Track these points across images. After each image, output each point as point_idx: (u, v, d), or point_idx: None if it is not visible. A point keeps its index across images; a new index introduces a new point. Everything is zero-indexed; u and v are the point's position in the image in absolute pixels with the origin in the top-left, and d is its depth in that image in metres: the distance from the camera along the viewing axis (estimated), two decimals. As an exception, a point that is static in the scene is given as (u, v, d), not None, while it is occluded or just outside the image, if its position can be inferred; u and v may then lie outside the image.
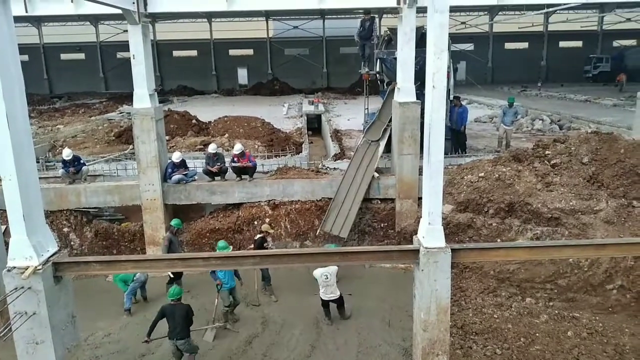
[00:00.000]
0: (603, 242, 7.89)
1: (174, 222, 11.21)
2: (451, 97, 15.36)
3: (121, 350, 8.96)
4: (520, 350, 8.27)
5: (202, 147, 16.99)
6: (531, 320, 9.11)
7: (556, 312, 9.33)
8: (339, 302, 9.44)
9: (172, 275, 10.86)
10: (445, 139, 6.95)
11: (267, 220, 12.70)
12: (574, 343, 8.37)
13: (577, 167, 11.20)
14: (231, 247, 10.25)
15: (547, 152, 12.04)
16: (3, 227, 10.14)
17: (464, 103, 17.14)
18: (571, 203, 10.56)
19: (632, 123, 15.91)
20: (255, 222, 12.72)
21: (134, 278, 10.35)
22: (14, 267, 6.57)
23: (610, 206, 10.32)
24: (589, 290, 9.49)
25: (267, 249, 10.79)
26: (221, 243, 9.96)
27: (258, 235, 10.99)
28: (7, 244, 6.87)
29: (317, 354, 8.62)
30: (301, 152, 16.72)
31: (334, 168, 14.33)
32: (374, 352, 8.57)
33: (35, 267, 6.53)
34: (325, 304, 9.44)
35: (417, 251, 6.82)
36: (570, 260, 9.62)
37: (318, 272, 9.30)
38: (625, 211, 10.16)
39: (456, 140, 15.74)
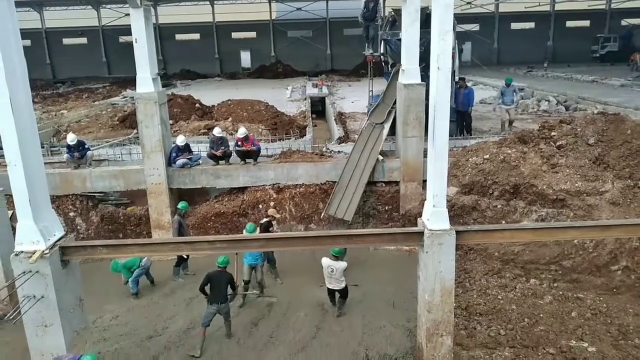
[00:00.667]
0: (608, 223, 7.88)
1: (181, 204, 11.27)
2: (456, 78, 15.22)
3: (129, 332, 9.07)
4: (524, 330, 8.32)
5: (206, 131, 16.99)
6: (535, 301, 9.15)
7: (560, 293, 9.36)
8: (342, 292, 9.38)
9: (185, 257, 11.01)
10: (450, 121, 6.90)
11: (272, 204, 12.74)
12: (578, 323, 8.41)
13: (583, 149, 11.12)
14: (258, 229, 10.41)
15: (552, 133, 11.95)
16: (10, 212, 10.22)
17: (469, 84, 16.98)
18: (577, 184, 10.51)
19: (639, 104, 15.74)
20: (260, 206, 12.77)
21: (140, 264, 10.36)
22: (22, 252, 6.66)
23: (616, 187, 10.27)
24: (594, 271, 9.49)
25: (272, 232, 10.86)
26: (249, 226, 10.18)
27: (264, 219, 11.03)
28: (14, 228, 6.94)
29: (322, 335, 8.69)
30: (305, 135, 16.68)
31: (338, 151, 14.31)
32: (378, 333, 8.63)
33: (43, 251, 6.61)
34: (331, 291, 9.45)
35: (421, 233, 6.83)
36: (575, 241, 9.62)
37: (325, 263, 9.20)
38: (631, 192, 10.11)
39: (461, 122, 15.64)
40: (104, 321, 9.55)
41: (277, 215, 11.60)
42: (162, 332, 8.95)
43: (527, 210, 10.92)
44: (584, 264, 9.57)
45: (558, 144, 11.54)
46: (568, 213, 10.33)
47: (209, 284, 8.63)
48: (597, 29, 48.39)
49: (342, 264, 9.10)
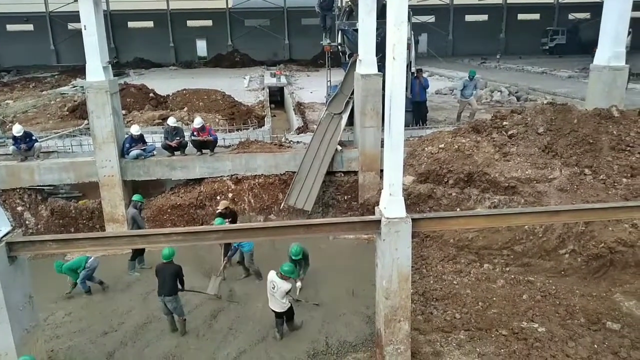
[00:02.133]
0: (557, 209, 8.23)
1: (135, 197, 10.97)
2: (413, 69, 15.42)
3: (83, 328, 8.82)
4: (478, 314, 8.61)
5: (161, 121, 16.54)
6: (489, 285, 9.47)
7: (512, 276, 9.73)
8: (286, 315, 8.37)
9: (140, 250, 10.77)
10: (406, 111, 6.99)
11: (230, 195, 12.63)
12: (529, 305, 8.77)
13: (533, 137, 11.51)
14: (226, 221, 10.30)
15: (504, 123, 12.31)
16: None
17: (425, 75, 17.24)
18: (527, 172, 10.89)
19: (585, 94, 16.42)
20: (218, 197, 12.60)
21: (86, 265, 9.79)
22: (-36, 248, 6.32)
23: (563, 174, 10.71)
24: (543, 255, 9.90)
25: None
26: (217, 221, 10.09)
27: (218, 211, 10.93)
28: (-45, 224, 6.57)
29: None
30: (263, 125, 16.53)
31: (297, 141, 14.27)
32: (338, 321, 8.73)
33: (-13, 247, 6.30)
34: (277, 314, 8.34)
35: (378, 222, 6.92)
36: (526, 227, 9.99)
37: (269, 277, 8.28)
38: (577, 179, 10.56)
39: (418, 112, 15.88)
40: (57, 318, 9.26)
41: (231, 207, 11.49)
42: (118, 327, 8.75)
43: (480, 198, 11.25)
44: (534, 249, 9.97)
45: (509, 133, 11.90)
46: (519, 200, 10.71)
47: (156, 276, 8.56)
48: (547, 22, 50.19)
49: (286, 285, 8.11)
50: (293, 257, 9.34)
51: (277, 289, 8.11)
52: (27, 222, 12.62)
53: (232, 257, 10.33)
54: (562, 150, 11.10)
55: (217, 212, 11.01)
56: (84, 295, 9.95)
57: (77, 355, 8.07)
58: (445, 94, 23.20)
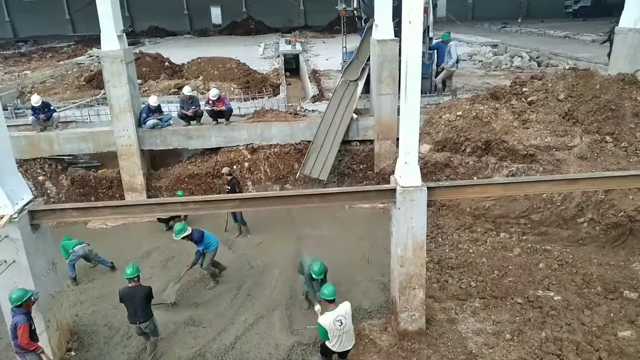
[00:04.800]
0: (576, 177, 8.09)
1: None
2: (430, 34, 15.05)
3: (105, 295, 9.08)
4: (493, 282, 8.63)
5: (176, 90, 16.55)
6: (505, 254, 9.46)
7: (529, 245, 9.69)
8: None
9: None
10: (423, 77, 6.85)
11: (246, 164, 12.71)
12: (545, 274, 8.76)
13: (553, 104, 11.25)
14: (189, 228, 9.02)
15: (524, 89, 12.03)
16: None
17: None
18: (546, 140, 10.70)
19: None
20: (234, 167, 12.67)
21: (72, 250, 9.54)
22: (-12, 217, 6.50)
23: (584, 142, 10.49)
24: (561, 224, 9.81)
25: (239, 188, 10.98)
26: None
27: (227, 178, 11.04)
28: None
29: (296, 291, 8.85)
30: (279, 94, 16.41)
31: (313, 110, 14.16)
32: (354, 289, 8.84)
33: (11, 215, 6.48)
34: (328, 352, 6.54)
35: (394, 190, 6.90)
36: (544, 195, 9.88)
37: (328, 320, 6.15)
38: (598, 147, 10.35)
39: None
40: (80, 285, 9.54)
41: (234, 173, 11.49)
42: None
43: (498, 166, 11.11)
44: (552, 217, 9.87)
45: (529, 99, 11.64)
46: (537, 168, 10.56)
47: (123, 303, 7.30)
48: (571, -16, 48.22)
49: (347, 305, 6.40)
50: (315, 277, 7.58)
51: (345, 319, 6.23)
52: (48, 191, 12.88)
53: (195, 263, 9.14)
54: (583, 117, 10.84)
55: (228, 177, 11.02)
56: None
57: (100, 319, 8.34)
58: (464, 60, 22.67)
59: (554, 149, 10.56)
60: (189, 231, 8.82)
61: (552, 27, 34.35)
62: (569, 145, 10.55)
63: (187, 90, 12.91)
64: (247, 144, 12.86)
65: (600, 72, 12.17)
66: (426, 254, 7.29)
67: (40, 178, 12.87)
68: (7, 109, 14.14)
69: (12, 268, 6.61)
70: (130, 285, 7.25)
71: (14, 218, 6.50)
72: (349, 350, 6.57)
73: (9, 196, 6.53)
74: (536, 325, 7.54)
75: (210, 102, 12.54)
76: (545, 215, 9.94)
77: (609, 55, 14.35)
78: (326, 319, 6.10)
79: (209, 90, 13.86)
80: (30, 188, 8.46)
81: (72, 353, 7.57)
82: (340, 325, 6.13)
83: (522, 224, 10.17)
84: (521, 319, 7.72)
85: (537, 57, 21.34)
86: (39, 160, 12.80)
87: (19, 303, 6.27)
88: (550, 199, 9.94)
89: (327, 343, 6.31)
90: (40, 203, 7.11)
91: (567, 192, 9.56)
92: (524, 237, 9.99)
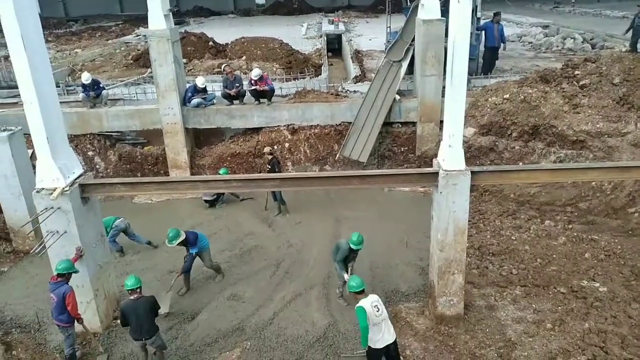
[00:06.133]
0: (628, 164, 7.73)
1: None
2: (478, 14, 14.58)
3: (150, 267, 9.42)
4: (536, 270, 8.43)
5: (220, 69, 16.73)
6: (549, 242, 9.20)
7: (575, 234, 9.38)
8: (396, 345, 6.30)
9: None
10: (470, 58, 6.65)
11: (287, 145, 12.77)
12: (591, 264, 8.48)
13: (607, 88, 10.76)
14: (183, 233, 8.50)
15: (576, 72, 11.55)
16: (30, 151, 10.40)
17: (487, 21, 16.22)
18: (598, 125, 10.27)
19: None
20: (275, 147, 12.76)
21: (113, 225, 9.62)
22: (43, 189, 6.82)
23: (639, 129, 10.01)
24: (610, 213, 9.45)
25: (279, 168, 11.05)
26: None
27: (268, 157, 11.09)
28: (34, 167, 7.06)
29: (334, 272, 8.90)
30: (320, 74, 16.35)
31: (354, 91, 14.05)
32: (391, 271, 8.83)
33: (63, 188, 6.76)
34: (377, 353, 6.10)
35: (436, 174, 6.79)
36: (593, 183, 9.53)
37: (366, 304, 5.93)
38: (654, 133, 9.88)
39: (490, 59, 14.99)
40: (127, 257, 9.91)
41: (273, 152, 11.48)
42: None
43: (545, 152, 10.77)
44: (601, 206, 9.53)
45: (581, 83, 11.17)
46: (587, 155, 10.18)
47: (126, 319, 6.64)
48: (632, -41, 45.43)
49: (376, 296, 6.24)
50: (354, 247, 7.62)
51: (380, 305, 6.05)
52: (97, 166, 13.38)
53: (188, 269, 8.69)
54: (639, 103, 10.33)
55: (269, 157, 11.08)
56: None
57: (145, 290, 8.61)
58: (513, 41, 21.89)
59: (606, 135, 10.14)
60: (183, 236, 8.32)
61: (608, 6, 32.62)
62: (623, 131, 10.09)
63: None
64: (288, 125, 12.92)
65: (660, 54, 11.53)
66: (467, 240, 7.17)
67: (90, 153, 13.37)
68: (59, 86, 14.66)
69: (63, 238, 6.93)
70: (132, 298, 6.59)
71: (66, 191, 6.78)
72: (397, 350, 6.29)
73: (61, 170, 6.82)
74: (579, 315, 7.33)
75: (253, 82, 12.64)
76: (594, 203, 9.60)
77: (632, 45, 13.59)
78: (365, 302, 5.98)
79: (251, 70, 13.92)
80: (80, 162, 8.78)
81: (118, 321, 7.90)
82: (377, 312, 5.94)
83: (569, 212, 9.86)
84: (564, 308, 7.52)
85: (591, 39, 20.34)
86: (88, 136, 13.29)
87: (64, 272, 6.56)
88: (600, 187, 9.58)
89: (370, 344, 6.03)
90: (90, 177, 7.38)
91: (618, 180, 9.17)
92: (570, 226, 9.68)
